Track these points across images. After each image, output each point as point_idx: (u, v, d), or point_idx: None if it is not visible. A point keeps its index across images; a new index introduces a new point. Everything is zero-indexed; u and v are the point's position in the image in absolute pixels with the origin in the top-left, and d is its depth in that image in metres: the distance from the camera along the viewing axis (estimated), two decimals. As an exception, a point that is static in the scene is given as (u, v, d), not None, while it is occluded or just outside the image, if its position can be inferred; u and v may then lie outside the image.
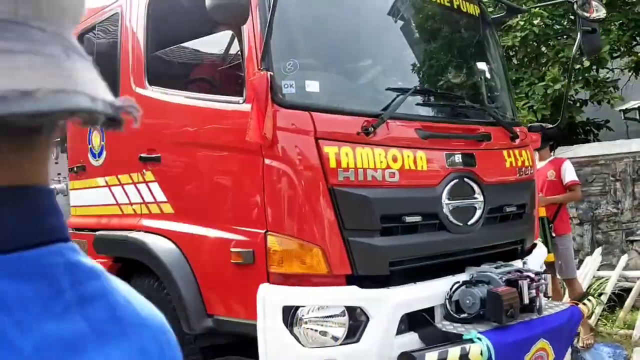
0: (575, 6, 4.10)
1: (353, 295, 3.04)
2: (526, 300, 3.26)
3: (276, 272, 3.04)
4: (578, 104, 11.29)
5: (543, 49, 10.71)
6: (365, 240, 3.12)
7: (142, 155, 3.77)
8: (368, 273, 3.13)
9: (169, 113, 3.63)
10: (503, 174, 3.87)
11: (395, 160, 3.25)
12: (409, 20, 3.99)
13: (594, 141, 11.51)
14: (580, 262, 7.92)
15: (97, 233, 4.12)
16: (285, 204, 3.05)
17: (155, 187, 3.73)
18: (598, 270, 7.48)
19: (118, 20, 4.07)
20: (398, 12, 3.83)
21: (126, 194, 3.98)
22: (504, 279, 3.30)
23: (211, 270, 3.36)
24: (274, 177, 3.07)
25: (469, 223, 3.55)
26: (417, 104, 3.58)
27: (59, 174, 5.26)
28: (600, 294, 6.91)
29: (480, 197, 3.61)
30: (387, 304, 3.09)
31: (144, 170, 3.78)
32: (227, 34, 3.34)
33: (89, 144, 4.28)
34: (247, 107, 3.11)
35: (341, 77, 3.49)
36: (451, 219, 3.45)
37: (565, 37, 10.90)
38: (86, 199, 4.39)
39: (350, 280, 3.09)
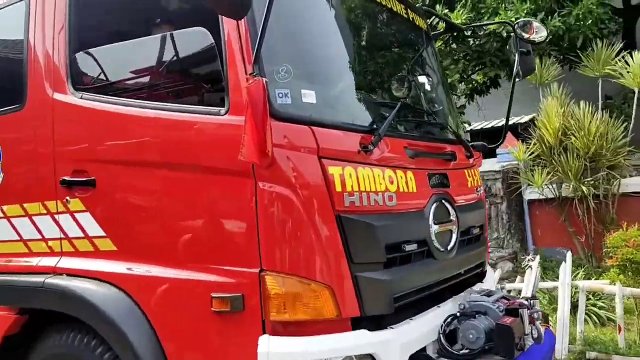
0: (515, 27, 4.11)
1: (365, 340, 2.62)
2: (527, 330, 3.08)
3: (276, 320, 2.50)
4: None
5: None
6: (372, 276, 2.71)
7: (66, 178, 2.97)
8: (375, 313, 2.72)
9: (110, 125, 2.88)
10: (467, 194, 3.70)
11: (391, 181, 2.90)
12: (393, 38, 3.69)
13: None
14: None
15: (-6, 279, 3.19)
16: (286, 237, 2.52)
17: (85, 218, 2.95)
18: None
19: (23, 9, 3.21)
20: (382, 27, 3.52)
21: (36, 227, 3.12)
22: (501, 308, 3.09)
23: (179, 322, 2.68)
24: (270, 204, 2.53)
25: (448, 248, 3.30)
26: (401, 121, 3.26)
27: None
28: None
29: (454, 220, 3.38)
30: (397, 347, 2.72)
31: (68, 198, 2.98)
32: (188, 32, 2.73)
33: (-24, 164, 3.32)
34: (231, 119, 2.55)
35: (336, 87, 3.03)
36: (436, 244, 3.16)
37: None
38: None
39: (354, 323, 2.66)
